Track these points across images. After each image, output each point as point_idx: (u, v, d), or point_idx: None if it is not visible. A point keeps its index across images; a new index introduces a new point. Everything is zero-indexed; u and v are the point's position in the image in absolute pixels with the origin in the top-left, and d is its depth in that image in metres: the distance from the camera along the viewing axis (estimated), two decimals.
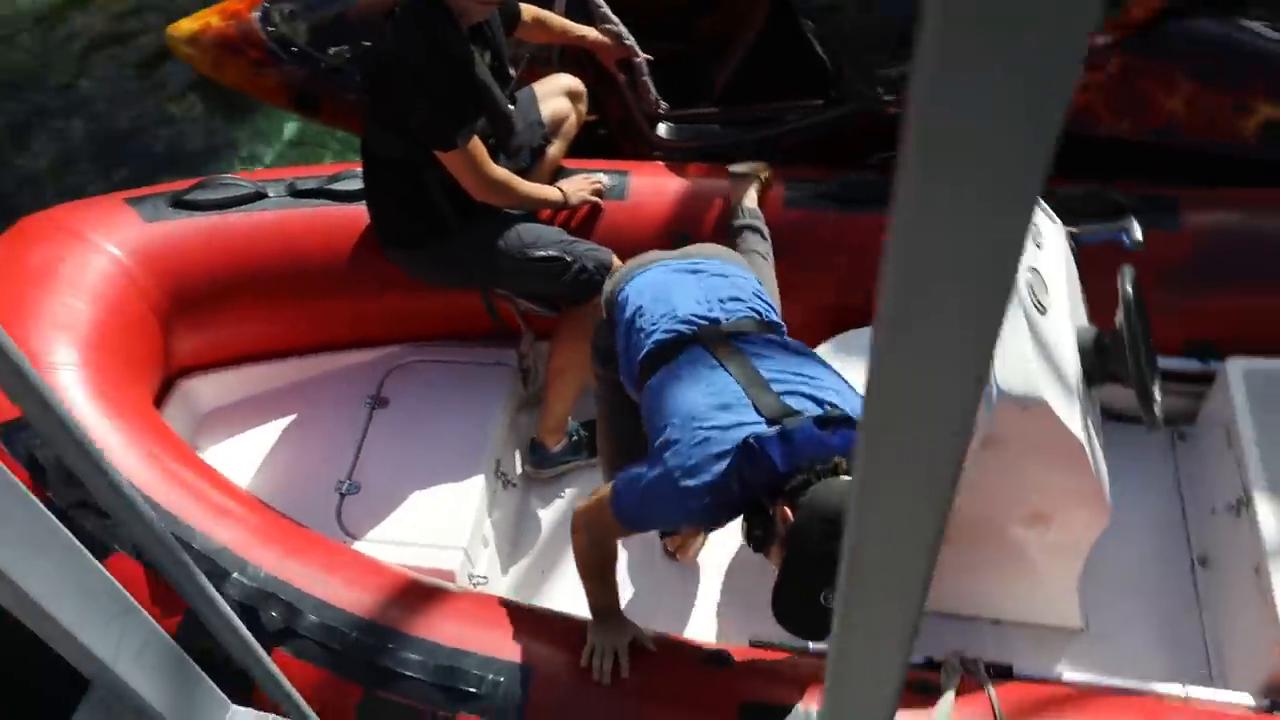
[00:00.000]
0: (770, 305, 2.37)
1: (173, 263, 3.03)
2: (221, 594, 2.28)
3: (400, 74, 2.71)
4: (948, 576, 2.70)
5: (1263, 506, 2.55)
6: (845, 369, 2.91)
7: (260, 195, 3.15)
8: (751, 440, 1.88)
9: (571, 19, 3.31)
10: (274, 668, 1.45)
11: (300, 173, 3.33)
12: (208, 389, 3.19)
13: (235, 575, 2.36)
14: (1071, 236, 2.75)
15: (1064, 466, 2.30)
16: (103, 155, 5.10)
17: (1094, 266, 2.71)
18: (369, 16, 3.58)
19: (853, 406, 2.00)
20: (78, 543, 1.12)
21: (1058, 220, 2.69)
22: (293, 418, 3.22)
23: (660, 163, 3.37)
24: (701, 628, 2.85)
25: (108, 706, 1.29)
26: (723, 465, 1.90)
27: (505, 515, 3.08)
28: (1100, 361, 2.43)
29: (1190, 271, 2.99)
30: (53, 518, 1.08)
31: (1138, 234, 2.66)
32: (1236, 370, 2.84)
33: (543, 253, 2.89)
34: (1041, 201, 2.59)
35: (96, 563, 1.17)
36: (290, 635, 2.28)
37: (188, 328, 3.06)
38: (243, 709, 1.50)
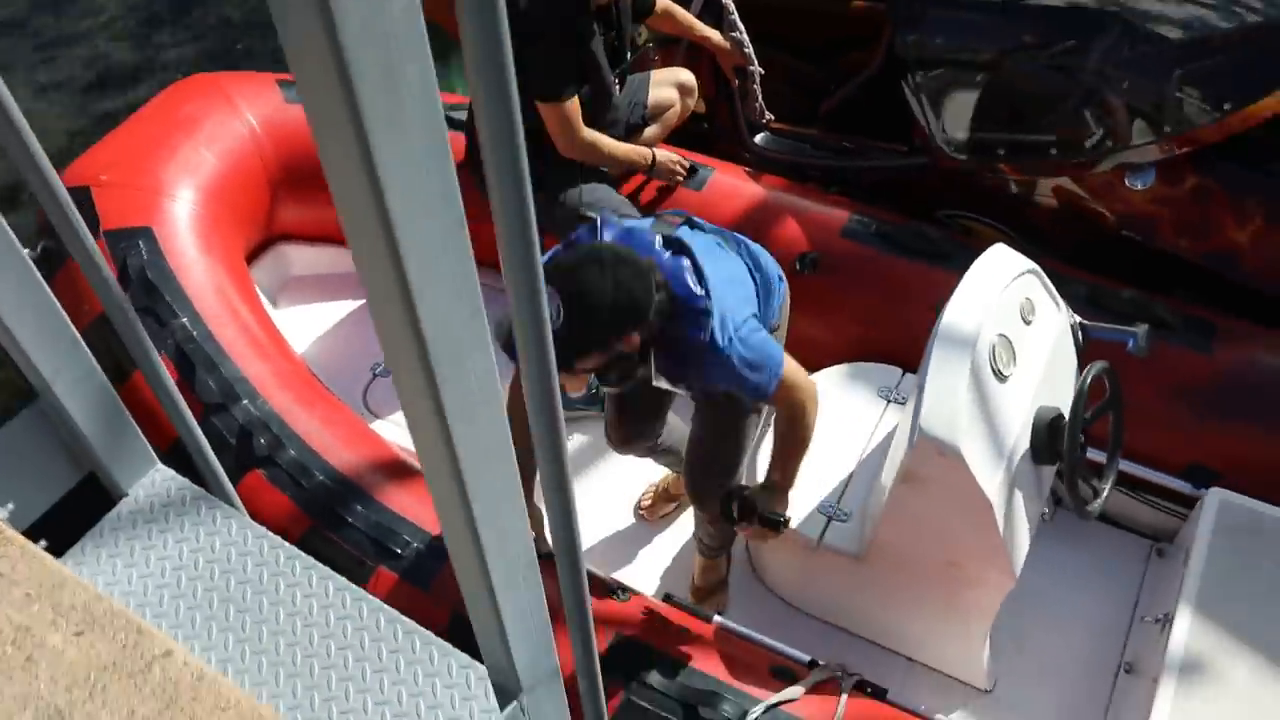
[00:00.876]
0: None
1: (296, 143, 3.47)
2: (228, 415, 2.67)
3: (523, 28, 3.03)
4: (868, 599, 2.86)
5: (1180, 624, 2.61)
6: (847, 393, 3.12)
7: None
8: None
9: (703, 19, 3.58)
10: (200, 437, 1.78)
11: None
12: (298, 257, 3.64)
13: (245, 403, 2.76)
14: (1080, 327, 2.85)
15: (974, 521, 2.43)
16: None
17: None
18: None
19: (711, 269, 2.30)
20: (37, 273, 1.48)
21: (1064, 307, 2.80)
22: (360, 303, 3.62)
23: (745, 168, 3.60)
24: (648, 578, 3.11)
25: (46, 419, 1.65)
26: None
27: None
28: (1049, 441, 2.54)
29: (1210, 398, 3.03)
30: (15, 240, 1.43)
31: (1144, 341, 2.73)
32: (1214, 500, 2.88)
33: (592, 213, 3.18)
34: (1050, 287, 2.72)
35: (52, 297, 1.52)
36: (270, 463, 2.65)
37: (294, 200, 3.50)
38: (167, 468, 1.85)
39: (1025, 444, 2.54)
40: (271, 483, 2.63)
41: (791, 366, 2.38)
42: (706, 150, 3.69)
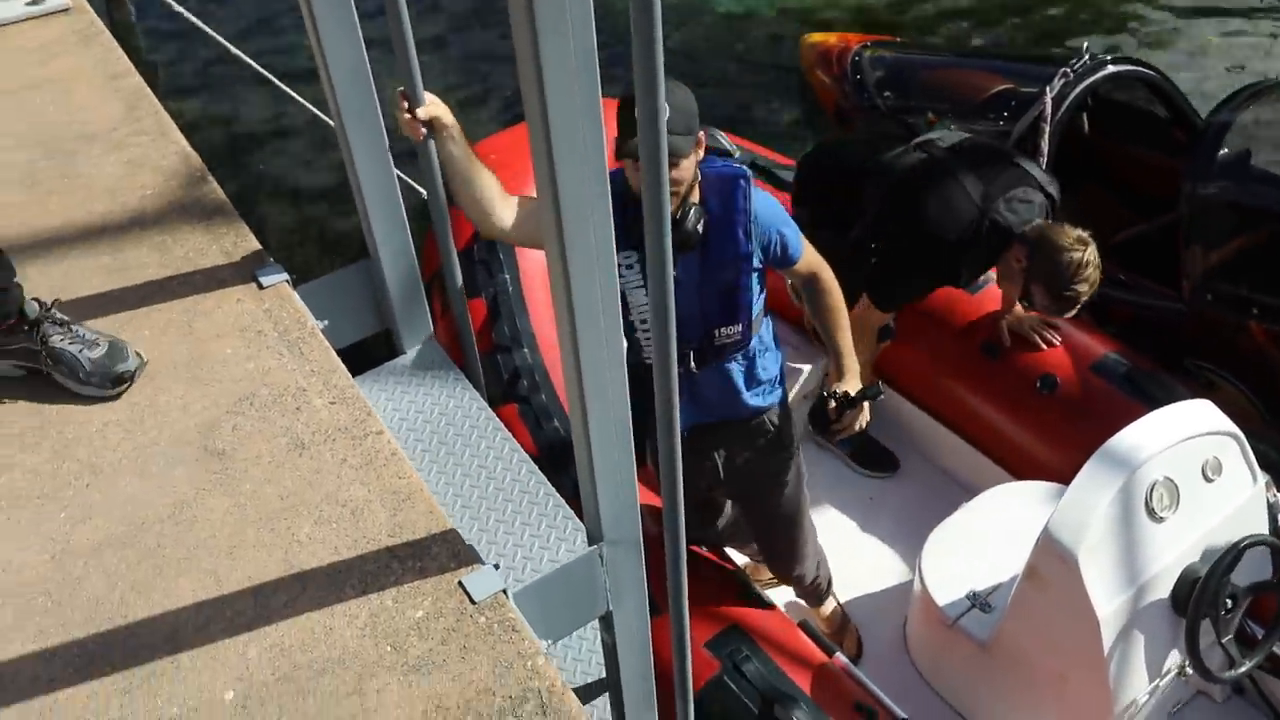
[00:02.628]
0: None
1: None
2: (509, 357, 3.30)
3: (900, 244, 3.18)
4: (985, 689, 3.03)
5: None
6: (1042, 505, 3.23)
7: (727, 153, 4.12)
8: None
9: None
10: (472, 342, 2.40)
11: (766, 153, 4.25)
12: None
13: (525, 350, 3.39)
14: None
15: (1083, 639, 2.56)
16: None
17: None
18: (930, 86, 4.43)
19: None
20: (391, 166, 2.13)
21: (1264, 481, 2.84)
22: None
23: None
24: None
25: (368, 275, 2.31)
26: None
27: None
28: (1186, 595, 2.63)
29: None
30: (384, 138, 2.09)
31: None
32: None
33: None
34: (1250, 457, 2.81)
35: (397, 188, 2.17)
36: (524, 401, 3.26)
37: None
38: (438, 344, 2.46)
39: (1165, 591, 2.64)
40: (520, 418, 3.23)
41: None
42: None
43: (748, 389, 2.60)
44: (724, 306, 2.46)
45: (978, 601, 3.03)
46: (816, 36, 5.37)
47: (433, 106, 2.13)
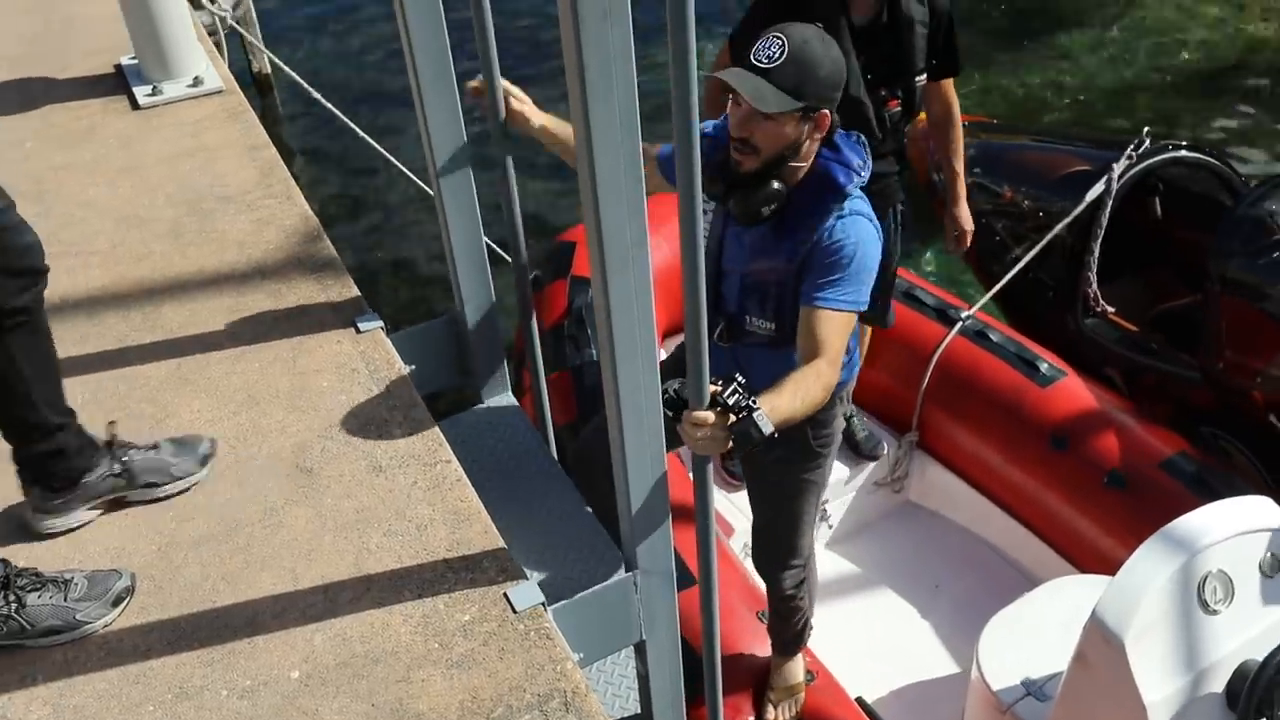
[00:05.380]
0: None
1: None
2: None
3: None
4: None
5: None
6: (1051, 606, 3.29)
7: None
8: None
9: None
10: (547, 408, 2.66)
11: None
12: None
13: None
14: None
15: None
16: None
17: None
18: (1011, 166, 4.63)
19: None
20: (481, 230, 2.43)
21: None
22: None
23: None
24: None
25: (454, 328, 2.60)
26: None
27: None
28: (1241, 691, 2.66)
29: None
30: (475, 202, 2.39)
31: None
32: None
33: None
34: None
35: (484, 247, 2.46)
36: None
37: None
38: (514, 397, 2.72)
39: (1219, 685, 2.68)
40: None
41: (848, 330, 2.26)
42: (1037, 314, 4.08)
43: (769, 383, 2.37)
44: (762, 298, 2.35)
45: (1033, 689, 3.09)
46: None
47: (528, 108, 2.32)
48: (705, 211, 2.11)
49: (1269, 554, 2.79)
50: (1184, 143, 4.22)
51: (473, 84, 2.32)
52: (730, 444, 1.90)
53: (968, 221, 3.51)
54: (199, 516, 2.11)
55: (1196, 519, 2.73)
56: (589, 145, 1.51)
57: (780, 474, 2.63)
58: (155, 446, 2.15)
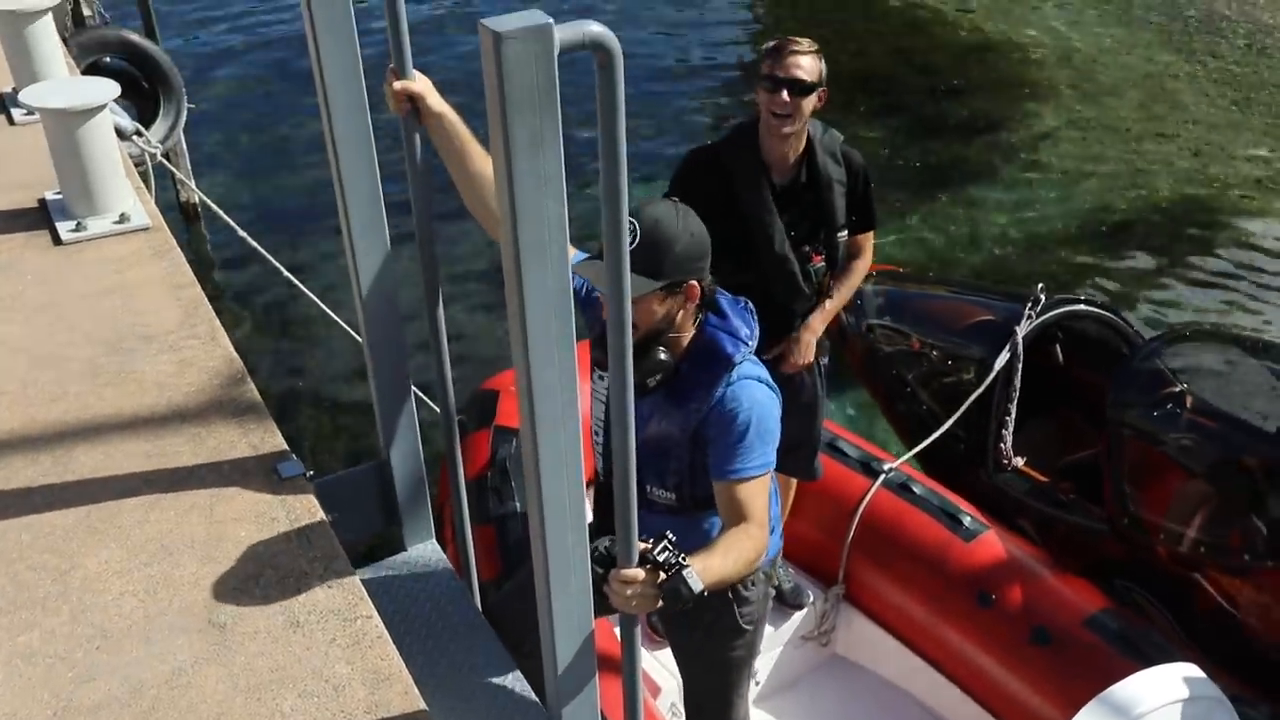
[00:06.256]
0: None
1: None
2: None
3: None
4: None
5: None
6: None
7: None
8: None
9: None
10: (472, 557, 2.63)
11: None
12: None
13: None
14: None
15: None
16: None
17: None
18: (919, 314, 4.82)
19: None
20: (410, 384, 2.43)
21: None
22: None
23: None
24: None
25: (379, 474, 2.57)
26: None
27: None
28: None
29: None
30: (405, 354, 2.40)
31: None
32: None
33: None
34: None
35: (413, 398, 2.46)
36: None
37: None
38: (437, 545, 2.69)
39: None
40: None
41: (766, 490, 2.29)
42: (948, 464, 4.19)
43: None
44: (660, 469, 2.38)
45: None
46: None
47: (419, 84, 2.15)
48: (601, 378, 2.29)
49: None
50: (1080, 297, 4.50)
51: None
52: (659, 602, 1.92)
53: (805, 350, 3.39)
54: (100, 677, 2.02)
55: (1133, 686, 2.78)
56: (522, 314, 1.54)
57: (710, 652, 2.66)
58: None
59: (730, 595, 2.55)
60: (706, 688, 2.79)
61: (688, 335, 2.33)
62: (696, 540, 2.27)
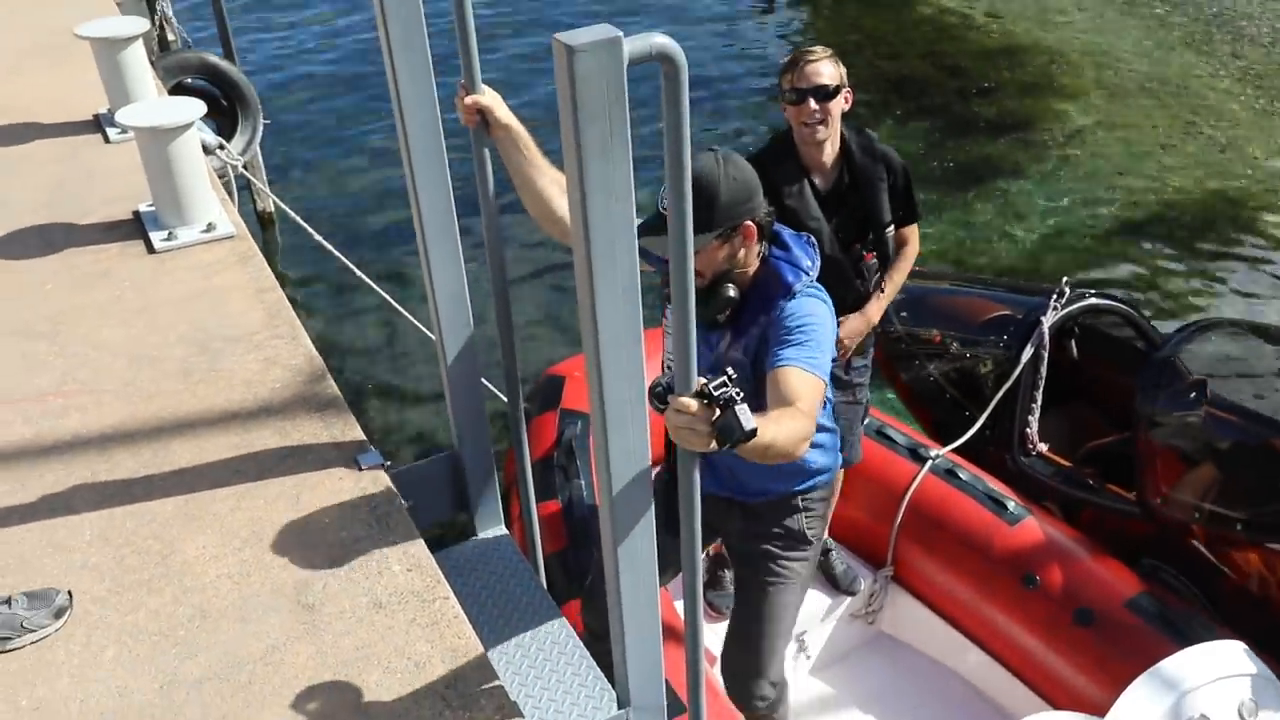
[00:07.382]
0: None
1: None
2: (581, 553, 3.51)
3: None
4: None
5: None
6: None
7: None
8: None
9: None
10: (538, 540, 2.64)
11: None
12: None
13: (592, 547, 3.58)
14: None
15: None
16: None
17: None
18: (939, 310, 4.75)
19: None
20: (479, 376, 2.44)
21: None
22: None
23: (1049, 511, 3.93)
24: None
25: (450, 465, 2.59)
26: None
27: None
28: None
29: None
30: (476, 349, 2.41)
31: None
32: None
33: None
34: None
35: (482, 389, 2.48)
36: None
37: None
38: (508, 532, 2.70)
39: None
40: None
41: (818, 392, 2.18)
42: (975, 449, 4.09)
43: (751, 472, 2.45)
44: None
45: None
46: None
47: (488, 98, 2.17)
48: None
49: (1248, 699, 2.78)
50: (1099, 291, 4.40)
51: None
52: (712, 444, 1.74)
53: (855, 331, 3.27)
54: (201, 653, 2.05)
55: (1178, 663, 2.72)
56: (593, 309, 1.54)
57: (771, 568, 2.62)
58: (8, 601, 2.11)
59: (798, 503, 2.58)
60: (756, 612, 2.68)
61: (753, 268, 2.34)
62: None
